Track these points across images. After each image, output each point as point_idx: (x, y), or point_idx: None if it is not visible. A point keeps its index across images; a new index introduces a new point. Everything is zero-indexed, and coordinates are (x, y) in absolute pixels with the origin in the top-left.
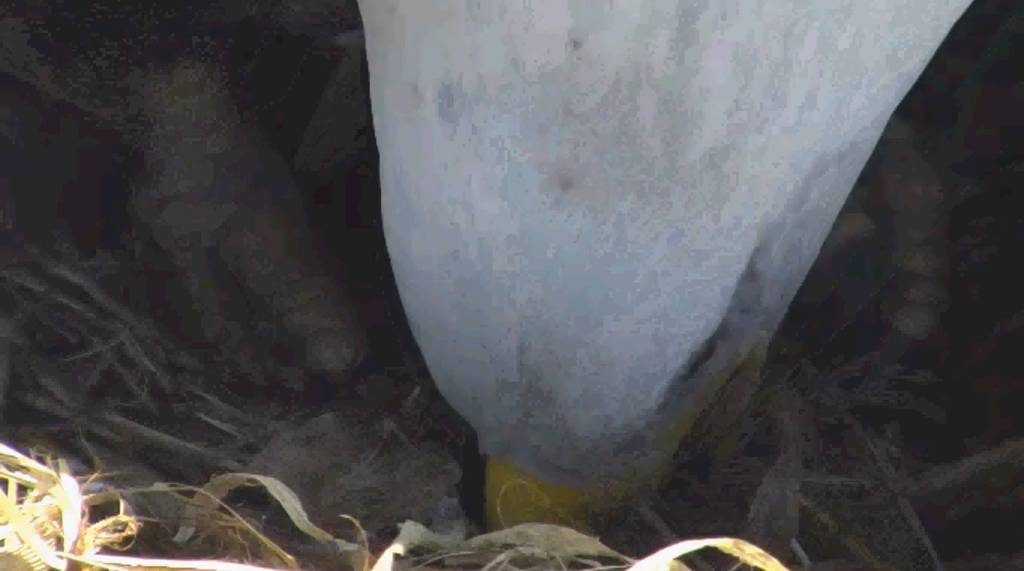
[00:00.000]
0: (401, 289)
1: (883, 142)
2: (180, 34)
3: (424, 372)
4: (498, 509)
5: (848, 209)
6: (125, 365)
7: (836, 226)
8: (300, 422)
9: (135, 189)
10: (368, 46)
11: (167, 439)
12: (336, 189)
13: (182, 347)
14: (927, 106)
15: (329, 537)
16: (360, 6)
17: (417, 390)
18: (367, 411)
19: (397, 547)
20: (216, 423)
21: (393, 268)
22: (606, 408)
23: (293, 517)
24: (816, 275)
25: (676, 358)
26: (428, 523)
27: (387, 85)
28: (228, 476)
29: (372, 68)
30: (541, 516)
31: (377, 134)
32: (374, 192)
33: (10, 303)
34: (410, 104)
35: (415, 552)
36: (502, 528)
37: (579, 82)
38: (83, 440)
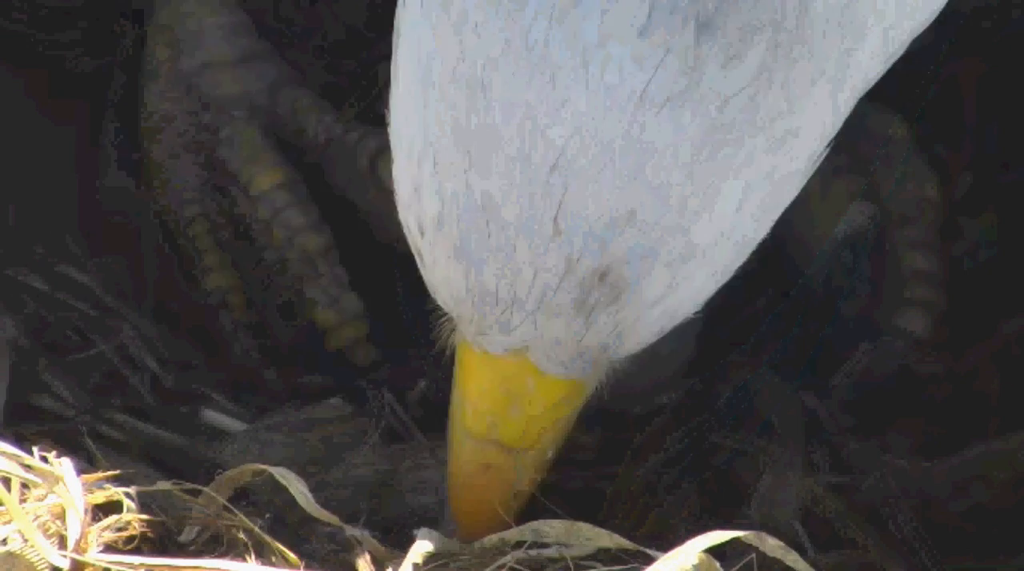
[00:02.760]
0: None
1: (882, 141)
2: None
3: (433, 363)
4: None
5: (845, 207)
6: (129, 364)
7: (835, 225)
8: (299, 407)
9: (166, 63)
10: None
11: (170, 437)
12: None
13: (186, 345)
14: (927, 106)
15: (338, 521)
16: None
17: (423, 382)
18: (372, 401)
19: (415, 557)
20: (219, 421)
21: None
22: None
23: (301, 502)
24: (815, 274)
25: None
26: (439, 514)
27: None
28: (234, 471)
29: None
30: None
31: None
32: None
33: (14, 302)
34: None
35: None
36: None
37: None
38: (87, 439)
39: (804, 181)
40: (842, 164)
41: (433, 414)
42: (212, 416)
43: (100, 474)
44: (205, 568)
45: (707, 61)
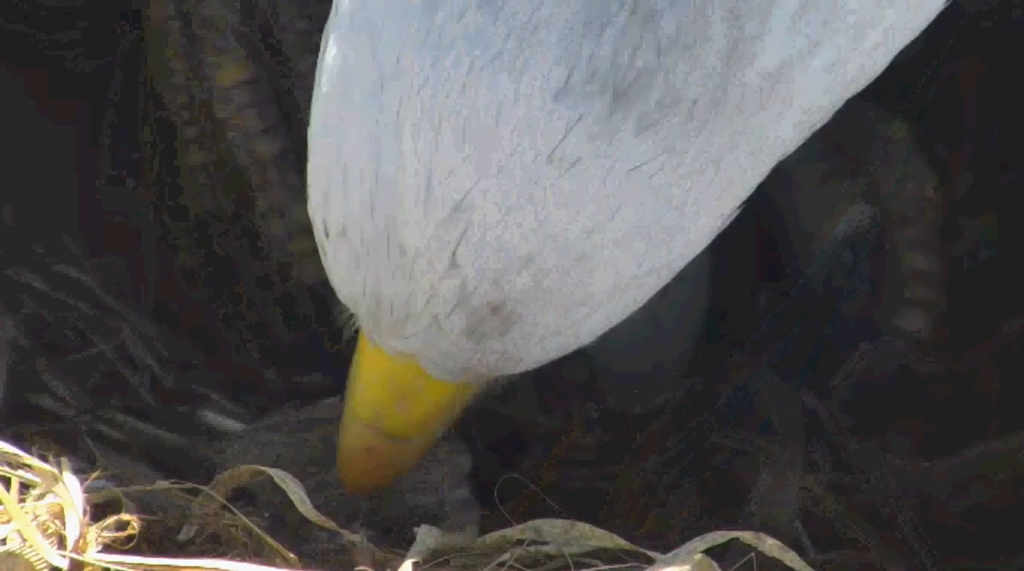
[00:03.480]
0: None
1: (882, 141)
2: None
3: None
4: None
5: (845, 207)
6: (128, 364)
7: (835, 225)
8: (299, 407)
9: None
10: None
11: (170, 437)
12: None
13: (186, 345)
14: (927, 106)
15: (334, 526)
16: None
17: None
18: None
19: (415, 555)
20: (219, 421)
21: None
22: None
23: (298, 506)
24: (815, 274)
25: None
26: (439, 514)
27: None
28: (232, 471)
29: None
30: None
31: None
32: None
33: (14, 302)
34: None
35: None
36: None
37: None
38: (86, 438)
39: (712, 238)
40: (842, 164)
41: None
42: (212, 416)
43: (99, 474)
44: (205, 568)
45: (620, 129)
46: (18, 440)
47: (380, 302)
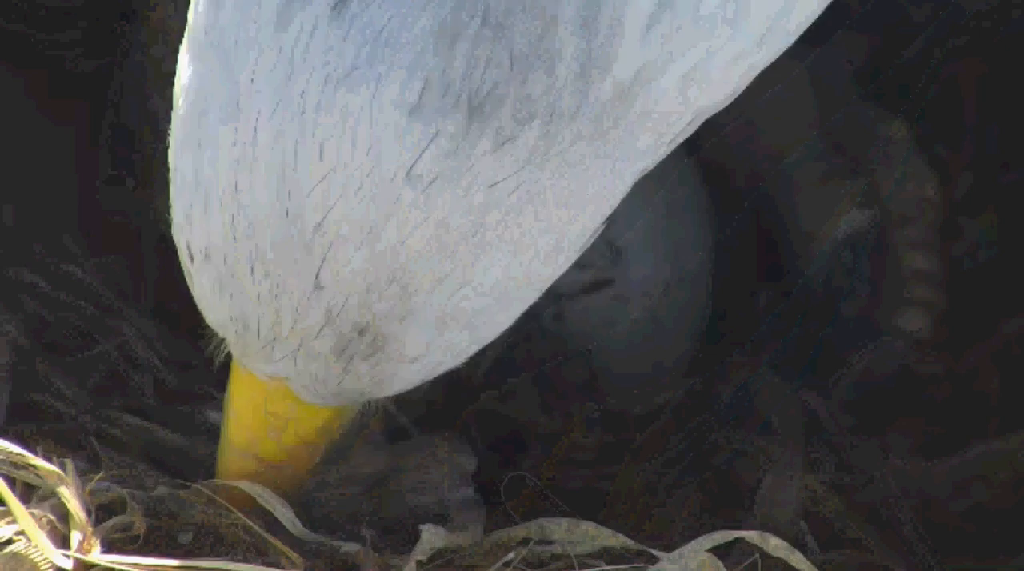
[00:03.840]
0: None
1: (882, 141)
2: None
3: None
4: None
5: (845, 207)
6: (130, 363)
7: (835, 225)
8: None
9: None
10: None
11: (172, 437)
12: None
13: (187, 345)
14: (927, 106)
15: (328, 540)
16: None
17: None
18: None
19: (420, 554)
20: (221, 421)
21: None
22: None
23: (287, 526)
24: (815, 274)
25: None
26: (441, 513)
27: None
28: (213, 482)
29: None
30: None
31: None
32: None
33: (15, 301)
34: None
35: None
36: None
37: None
38: (90, 439)
39: (580, 252)
40: (842, 164)
41: (434, 414)
42: (214, 416)
43: (103, 474)
44: (207, 568)
45: (476, 144)
46: (22, 440)
47: (247, 326)
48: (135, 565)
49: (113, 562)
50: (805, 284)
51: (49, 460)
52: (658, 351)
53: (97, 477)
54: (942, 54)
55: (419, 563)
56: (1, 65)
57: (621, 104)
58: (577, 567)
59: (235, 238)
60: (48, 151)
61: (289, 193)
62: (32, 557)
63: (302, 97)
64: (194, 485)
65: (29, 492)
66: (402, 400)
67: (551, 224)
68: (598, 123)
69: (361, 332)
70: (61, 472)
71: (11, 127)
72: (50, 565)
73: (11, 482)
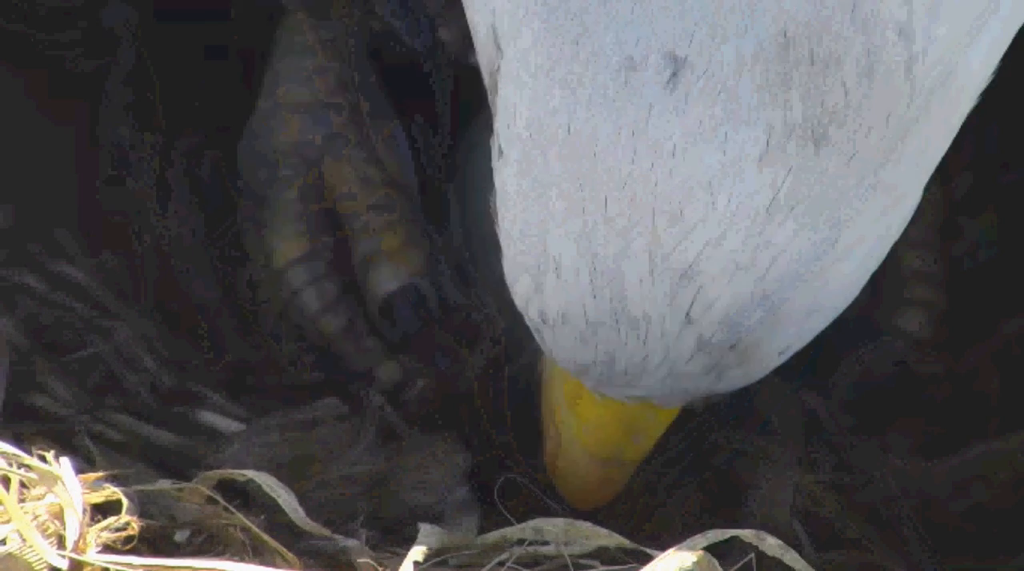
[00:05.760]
0: None
1: None
2: None
3: (431, 363)
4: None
5: None
6: (127, 364)
7: None
8: (298, 407)
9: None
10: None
11: (168, 437)
12: None
13: (184, 345)
14: None
15: (327, 532)
16: None
17: (421, 382)
18: (364, 401)
19: (416, 554)
20: (217, 421)
21: None
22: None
23: (290, 513)
24: None
25: None
26: (439, 513)
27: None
28: (215, 472)
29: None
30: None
31: None
32: None
33: (11, 302)
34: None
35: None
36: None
37: None
38: (85, 438)
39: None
40: None
41: (432, 413)
42: (210, 416)
43: (99, 474)
44: (203, 568)
45: (828, 167)
46: (17, 440)
47: (612, 367)
48: (130, 565)
49: (108, 562)
50: None
51: (45, 460)
52: None
53: (93, 477)
54: None
55: (415, 563)
56: (1, 65)
57: (944, 94)
58: (571, 567)
59: (595, 300)
60: (48, 151)
61: (651, 254)
62: (27, 557)
63: (651, 169)
64: (191, 485)
65: (25, 492)
66: (398, 402)
67: (886, 211)
68: (927, 112)
69: (732, 347)
70: (57, 472)
71: (11, 127)
72: (45, 565)
73: (7, 482)
